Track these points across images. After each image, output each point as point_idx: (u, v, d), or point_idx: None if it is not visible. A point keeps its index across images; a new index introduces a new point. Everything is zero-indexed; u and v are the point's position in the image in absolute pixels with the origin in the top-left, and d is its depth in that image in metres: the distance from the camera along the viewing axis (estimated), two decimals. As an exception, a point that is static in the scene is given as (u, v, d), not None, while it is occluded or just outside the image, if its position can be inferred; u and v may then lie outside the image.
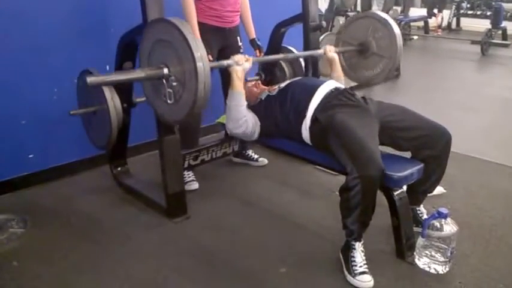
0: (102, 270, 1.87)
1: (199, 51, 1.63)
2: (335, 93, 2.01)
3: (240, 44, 2.56)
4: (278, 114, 2.09)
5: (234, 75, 2.03)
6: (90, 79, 1.59)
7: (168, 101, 1.76)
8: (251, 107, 2.17)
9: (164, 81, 1.75)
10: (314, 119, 1.96)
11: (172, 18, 1.70)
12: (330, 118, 1.88)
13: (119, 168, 2.58)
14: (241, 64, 2.03)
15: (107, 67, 2.58)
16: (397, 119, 1.96)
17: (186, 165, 2.32)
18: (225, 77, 2.44)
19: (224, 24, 2.43)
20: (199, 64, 1.62)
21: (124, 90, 2.30)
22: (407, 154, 2.04)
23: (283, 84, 2.18)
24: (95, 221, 2.24)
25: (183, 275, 1.84)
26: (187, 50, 1.63)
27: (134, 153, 2.80)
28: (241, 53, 2.50)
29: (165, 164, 2.13)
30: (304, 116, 1.99)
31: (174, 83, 1.72)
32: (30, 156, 2.54)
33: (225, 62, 1.99)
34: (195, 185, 2.52)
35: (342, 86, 2.09)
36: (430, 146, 1.92)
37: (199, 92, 1.64)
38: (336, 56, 2.43)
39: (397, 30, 2.53)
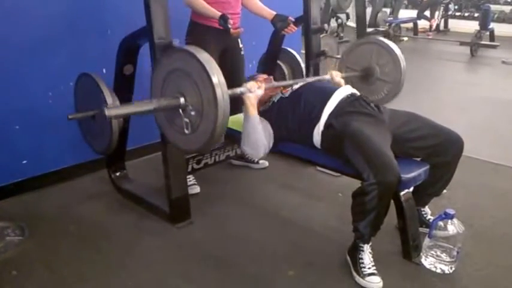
0: (107, 278, 1.83)
1: (217, 77, 1.57)
2: (350, 99, 1.99)
3: (241, 46, 2.53)
4: (290, 116, 2.07)
5: (247, 102, 2.00)
6: (109, 112, 1.54)
7: (186, 131, 1.71)
8: (263, 112, 2.13)
9: (181, 111, 1.69)
10: (328, 125, 1.94)
11: (186, 47, 1.67)
12: (345, 125, 1.87)
13: (118, 173, 2.54)
14: (254, 91, 2.00)
15: (104, 70, 2.54)
16: (410, 128, 1.95)
17: (189, 169, 2.29)
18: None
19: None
20: (218, 90, 1.55)
21: (124, 93, 2.26)
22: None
23: (296, 86, 2.17)
24: (95, 227, 2.19)
25: (190, 281, 1.81)
26: (204, 77, 1.57)
27: (130, 157, 2.76)
28: (242, 55, 2.49)
29: (169, 169, 2.10)
30: (317, 121, 1.97)
31: (192, 112, 1.66)
32: (24, 162, 2.48)
33: (238, 90, 1.96)
34: (197, 189, 2.49)
35: (357, 92, 2.08)
36: (442, 153, 1.92)
37: (219, 119, 1.58)
38: (342, 81, 2.41)
39: (400, 54, 2.52)
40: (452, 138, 1.94)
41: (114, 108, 1.61)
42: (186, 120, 1.69)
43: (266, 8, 2.54)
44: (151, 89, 1.83)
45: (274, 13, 2.48)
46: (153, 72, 1.82)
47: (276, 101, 2.17)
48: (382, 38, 2.66)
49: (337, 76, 2.41)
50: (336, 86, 2.16)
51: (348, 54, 2.75)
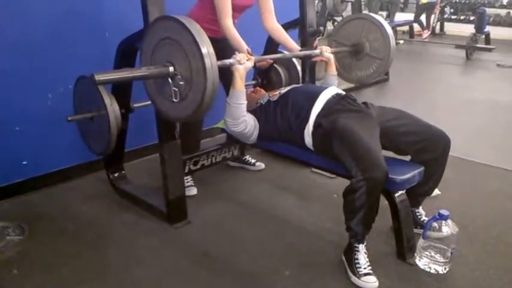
0: (105, 277, 1.85)
1: (206, 47, 1.61)
2: (337, 98, 2.04)
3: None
4: (279, 120, 2.11)
5: (236, 74, 2.04)
6: (98, 77, 1.57)
7: (174, 100, 1.74)
8: (251, 111, 2.19)
9: (170, 79, 1.73)
10: (317, 125, 1.98)
11: (177, 16, 1.68)
12: (332, 123, 1.90)
13: (116, 174, 2.56)
14: (243, 63, 2.04)
15: (102, 72, 2.56)
16: (398, 123, 2.00)
17: (186, 170, 2.31)
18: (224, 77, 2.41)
19: (219, 35, 2.39)
20: (207, 61, 1.60)
21: (122, 95, 2.28)
22: (406, 157, 2.07)
23: (283, 90, 2.20)
24: (94, 227, 2.21)
25: (187, 280, 1.84)
26: (194, 47, 1.61)
27: (129, 158, 2.78)
28: None
29: (166, 169, 2.12)
30: (306, 122, 2.01)
31: (181, 82, 1.70)
32: (24, 162, 2.50)
33: (227, 61, 2.00)
34: (194, 191, 2.51)
35: (343, 92, 2.12)
36: (429, 150, 1.96)
37: (207, 89, 1.62)
38: (331, 56, 2.48)
39: (390, 31, 2.57)
40: (439, 134, 1.98)
41: (103, 74, 1.62)
42: (175, 89, 1.72)
43: (292, 41, 2.53)
44: (141, 56, 1.86)
45: (299, 48, 2.51)
46: (144, 40, 1.84)
47: (263, 103, 2.21)
48: (372, 14, 2.69)
49: (326, 51, 2.47)
50: (323, 86, 2.20)
51: (338, 29, 2.80)
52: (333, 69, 2.49)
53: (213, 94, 1.67)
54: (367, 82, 2.79)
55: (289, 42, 2.51)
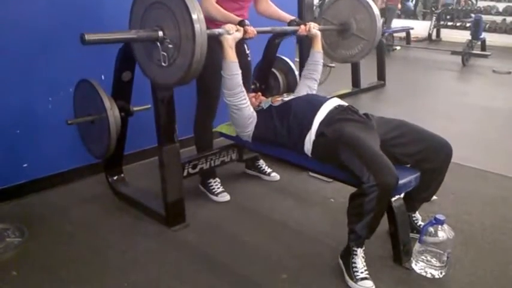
0: (104, 280, 1.86)
1: (197, 13, 1.61)
2: (339, 109, 2.06)
3: (247, 52, 2.55)
4: (278, 125, 2.13)
5: (225, 44, 2.04)
6: (88, 36, 1.58)
7: (162, 64, 1.74)
8: None
9: (158, 44, 1.73)
10: (319, 134, 1.99)
11: None
12: (338, 131, 1.91)
13: (115, 177, 2.57)
14: (232, 33, 2.05)
15: (102, 76, 2.58)
16: (398, 134, 2.00)
17: (185, 173, 2.33)
18: None
19: None
20: (196, 26, 1.60)
21: (122, 98, 2.30)
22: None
23: (286, 98, 2.23)
24: (93, 230, 2.23)
25: (184, 283, 1.85)
26: (184, 13, 1.61)
27: (128, 161, 2.80)
28: (249, 60, 2.54)
29: (165, 173, 2.14)
30: (308, 131, 2.02)
31: (170, 46, 1.70)
32: (25, 165, 2.52)
33: (216, 31, 2.00)
34: (227, 197, 2.54)
35: (345, 103, 2.14)
36: (430, 159, 1.96)
37: (196, 55, 1.63)
38: (318, 33, 2.52)
39: (377, 13, 2.62)
40: (441, 143, 1.98)
41: (93, 34, 1.63)
42: (164, 53, 1.73)
43: (282, 12, 2.58)
44: (131, 20, 1.87)
45: (292, 17, 2.54)
46: (134, 4, 1.84)
47: (264, 107, 2.23)
48: None
49: (314, 28, 2.50)
50: (326, 97, 2.21)
51: (328, 7, 2.83)
52: (318, 47, 2.53)
53: (202, 59, 1.67)
54: (351, 61, 2.82)
55: (282, 14, 2.57)
